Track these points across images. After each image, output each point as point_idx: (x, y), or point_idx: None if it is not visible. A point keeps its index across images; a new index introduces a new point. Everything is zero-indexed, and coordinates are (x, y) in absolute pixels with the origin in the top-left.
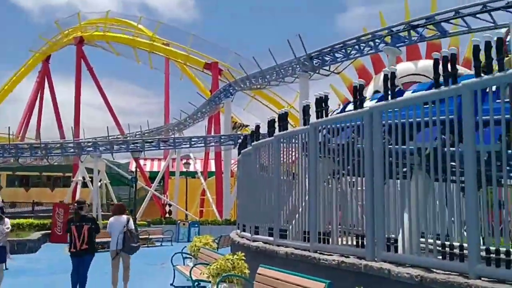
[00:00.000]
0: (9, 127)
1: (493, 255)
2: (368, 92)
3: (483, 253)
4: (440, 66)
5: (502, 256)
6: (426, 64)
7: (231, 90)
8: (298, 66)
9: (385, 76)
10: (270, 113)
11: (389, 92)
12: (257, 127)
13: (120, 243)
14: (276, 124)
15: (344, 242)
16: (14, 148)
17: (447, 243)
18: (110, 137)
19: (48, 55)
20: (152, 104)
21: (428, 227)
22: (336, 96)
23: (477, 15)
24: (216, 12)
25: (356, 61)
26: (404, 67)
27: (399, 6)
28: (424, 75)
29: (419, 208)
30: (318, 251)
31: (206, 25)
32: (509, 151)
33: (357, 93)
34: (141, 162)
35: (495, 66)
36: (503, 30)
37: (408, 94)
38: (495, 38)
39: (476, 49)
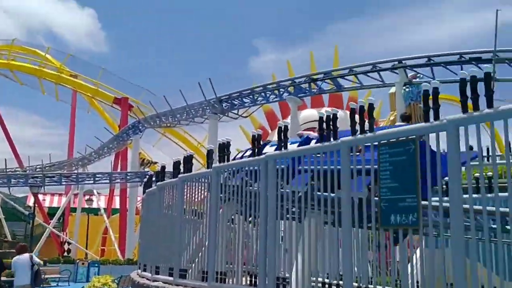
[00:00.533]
0: None
1: None
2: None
3: None
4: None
5: None
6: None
7: (140, 127)
8: (208, 108)
9: (279, 128)
10: (180, 150)
11: (282, 143)
12: (163, 167)
13: (25, 279)
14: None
15: (243, 282)
16: None
17: (327, 280)
18: (7, 170)
19: None
20: (55, 136)
21: (314, 267)
22: (245, 137)
23: (368, 74)
24: (128, 47)
25: (265, 105)
26: (308, 114)
27: (307, 54)
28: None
29: (309, 249)
30: None
31: (116, 59)
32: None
33: (255, 141)
34: (40, 197)
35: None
36: (393, 88)
37: (312, 143)
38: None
39: (352, 111)
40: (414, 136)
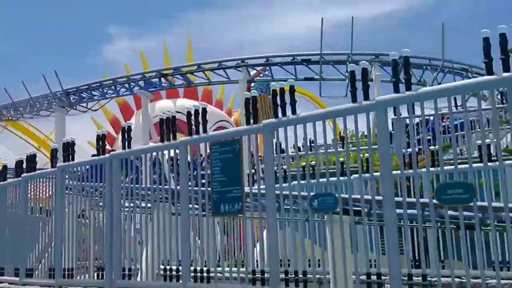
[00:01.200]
0: None
1: (198, 274)
2: (132, 123)
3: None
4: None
5: (205, 274)
6: (183, 103)
7: None
8: (54, 100)
9: (123, 128)
10: (25, 144)
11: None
12: (4, 166)
13: None
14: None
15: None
16: None
17: (168, 267)
18: None
19: None
20: None
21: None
22: (97, 129)
23: (215, 71)
24: None
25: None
26: (162, 105)
27: (160, 45)
28: (181, 113)
29: (154, 239)
30: (63, 286)
31: None
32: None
33: (100, 141)
34: None
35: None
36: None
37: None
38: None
39: (188, 114)
40: (238, 137)
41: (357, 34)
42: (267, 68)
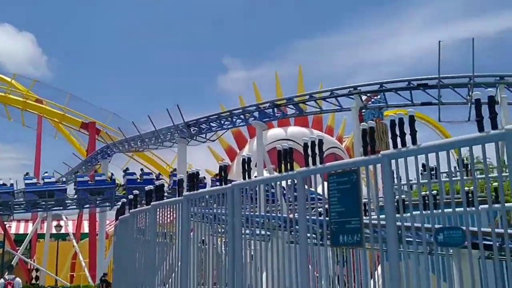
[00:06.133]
0: None
1: None
2: (245, 151)
3: None
4: None
5: None
6: (294, 130)
7: (109, 152)
8: (176, 132)
9: (243, 160)
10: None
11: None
12: (135, 196)
13: None
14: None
15: None
16: None
17: None
18: None
19: None
20: (14, 160)
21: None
22: (214, 157)
23: (327, 99)
24: (80, 69)
25: None
26: (274, 133)
27: (272, 74)
28: (293, 140)
29: (273, 267)
30: None
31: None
32: None
33: (223, 172)
34: (6, 223)
35: None
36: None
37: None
38: None
39: (305, 146)
40: (356, 168)
41: (478, 52)
42: (377, 97)
